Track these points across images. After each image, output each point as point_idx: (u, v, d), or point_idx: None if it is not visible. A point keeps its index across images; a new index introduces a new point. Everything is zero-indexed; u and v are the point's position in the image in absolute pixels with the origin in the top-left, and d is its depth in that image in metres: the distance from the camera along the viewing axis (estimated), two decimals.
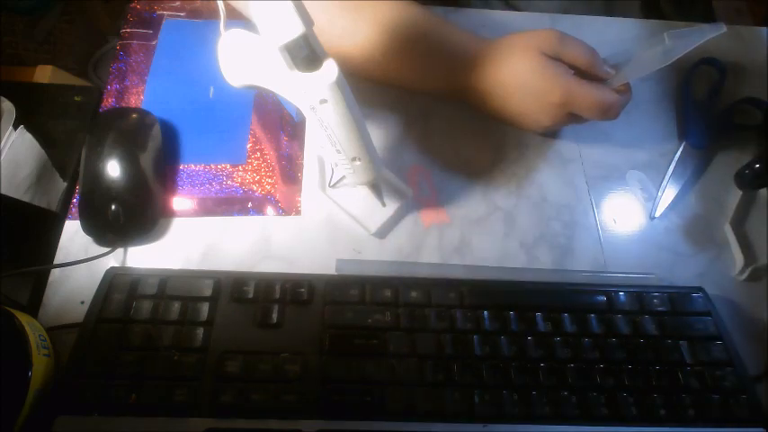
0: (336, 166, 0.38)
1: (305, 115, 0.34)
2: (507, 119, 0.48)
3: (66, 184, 0.48)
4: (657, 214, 0.48)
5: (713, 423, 0.36)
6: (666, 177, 0.49)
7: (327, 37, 0.46)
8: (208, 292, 0.38)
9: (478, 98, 0.46)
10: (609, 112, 0.43)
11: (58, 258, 0.42)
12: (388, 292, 0.39)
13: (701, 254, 0.46)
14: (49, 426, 0.32)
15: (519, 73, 0.43)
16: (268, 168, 0.46)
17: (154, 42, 0.52)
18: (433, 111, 0.51)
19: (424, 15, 0.46)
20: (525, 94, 0.44)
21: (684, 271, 0.45)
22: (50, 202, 0.47)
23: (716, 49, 0.55)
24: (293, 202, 0.46)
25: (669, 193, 0.48)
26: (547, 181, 0.49)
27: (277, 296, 0.38)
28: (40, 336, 0.35)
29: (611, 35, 0.58)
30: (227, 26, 0.35)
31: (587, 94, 0.42)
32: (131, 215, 0.41)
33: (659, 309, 0.41)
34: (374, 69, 0.47)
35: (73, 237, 0.42)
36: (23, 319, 0.35)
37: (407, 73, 0.47)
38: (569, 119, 0.45)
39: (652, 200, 0.49)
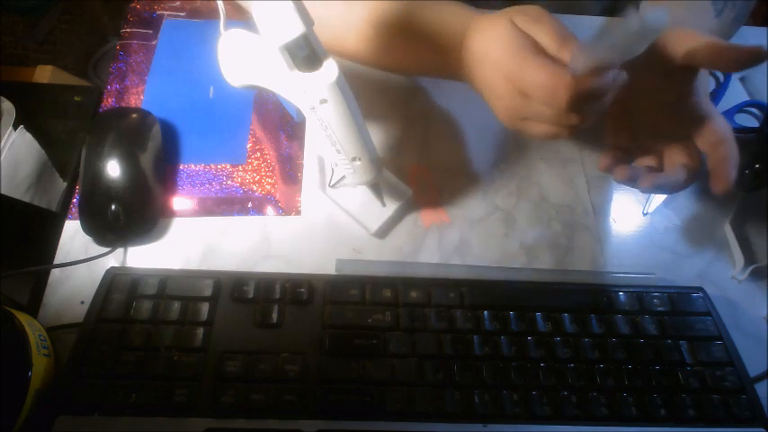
0: (336, 166, 0.38)
1: (305, 115, 0.34)
2: (482, 96, 0.42)
3: (66, 184, 0.48)
4: (650, 210, 0.48)
5: (713, 423, 0.36)
6: None
7: (323, 22, 0.45)
8: (208, 292, 0.38)
9: (464, 73, 0.43)
10: (556, 95, 0.35)
11: (58, 258, 0.42)
12: (388, 292, 0.39)
13: (701, 254, 0.46)
14: (49, 426, 0.32)
15: (485, 41, 0.40)
16: (268, 168, 0.46)
17: (154, 42, 0.52)
18: (434, 110, 0.51)
19: None
20: (487, 64, 0.40)
21: (684, 271, 0.45)
22: (50, 202, 0.47)
23: None
24: (293, 202, 0.46)
25: None
26: (547, 181, 0.49)
27: (277, 296, 0.38)
28: (39, 336, 0.35)
29: None
30: (227, 26, 0.35)
31: (536, 68, 0.36)
32: (131, 215, 0.41)
33: (659, 309, 0.41)
34: (369, 52, 0.46)
35: (73, 237, 0.42)
36: (23, 319, 0.35)
37: (402, 54, 0.46)
38: (523, 105, 0.38)
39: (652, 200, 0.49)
